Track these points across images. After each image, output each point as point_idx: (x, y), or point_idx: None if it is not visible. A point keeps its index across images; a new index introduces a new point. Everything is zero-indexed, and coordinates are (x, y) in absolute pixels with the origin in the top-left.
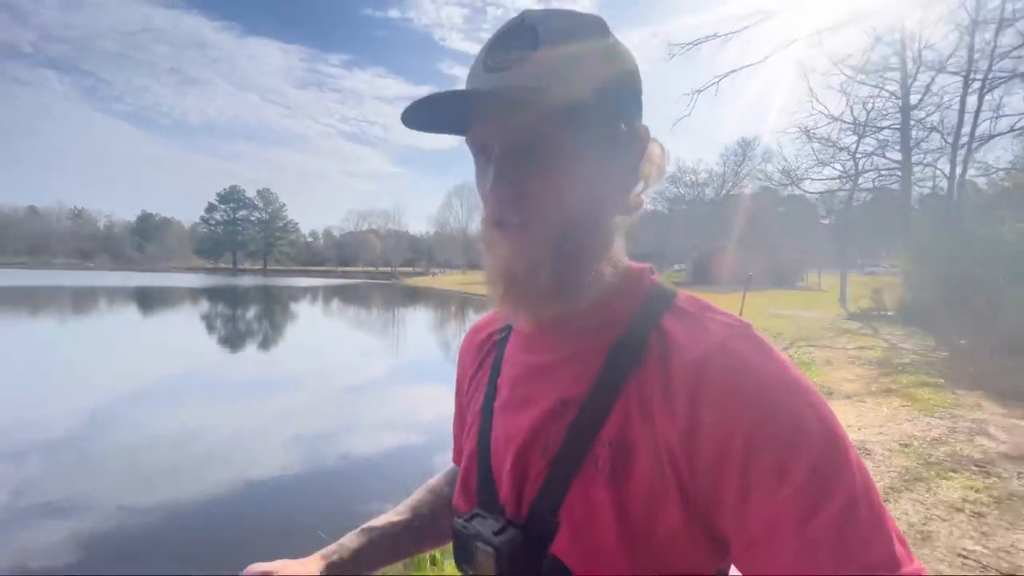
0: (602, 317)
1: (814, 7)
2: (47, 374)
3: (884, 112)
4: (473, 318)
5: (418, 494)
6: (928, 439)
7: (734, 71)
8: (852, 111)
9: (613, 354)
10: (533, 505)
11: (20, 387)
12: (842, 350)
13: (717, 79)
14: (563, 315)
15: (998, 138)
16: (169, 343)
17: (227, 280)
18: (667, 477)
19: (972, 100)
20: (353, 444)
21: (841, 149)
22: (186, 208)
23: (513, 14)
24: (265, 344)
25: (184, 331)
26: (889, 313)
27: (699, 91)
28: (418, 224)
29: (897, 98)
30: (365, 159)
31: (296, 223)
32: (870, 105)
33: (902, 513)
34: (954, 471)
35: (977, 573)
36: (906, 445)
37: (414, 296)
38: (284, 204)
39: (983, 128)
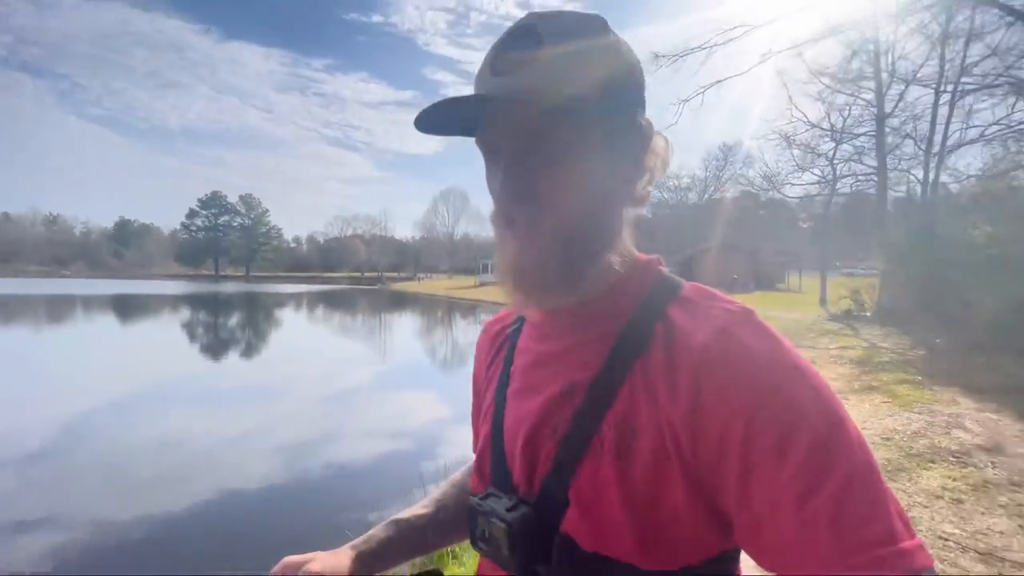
0: (610, 306)
1: (794, 21)
2: (19, 386)
3: (860, 120)
4: (460, 322)
5: (443, 488)
6: (908, 432)
7: (719, 82)
8: (830, 118)
9: (620, 341)
10: (544, 484)
11: None
12: (824, 350)
13: (702, 89)
14: (572, 305)
15: (968, 146)
16: (148, 352)
17: (209, 287)
18: (670, 458)
19: (944, 109)
20: (340, 452)
21: (819, 155)
22: (165, 214)
23: (496, 19)
24: (251, 352)
25: (165, 340)
26: (867, 314)
27: (685, 101)
28: (404, 229)
29: (872, 107)
30: (349, 164)
31: (279, 229)
32: (847, 113)
33: None
34: (933, 462)
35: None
36: (888, 438)
37: (403, 301)
38: (267, 210)
39: (954, 137)
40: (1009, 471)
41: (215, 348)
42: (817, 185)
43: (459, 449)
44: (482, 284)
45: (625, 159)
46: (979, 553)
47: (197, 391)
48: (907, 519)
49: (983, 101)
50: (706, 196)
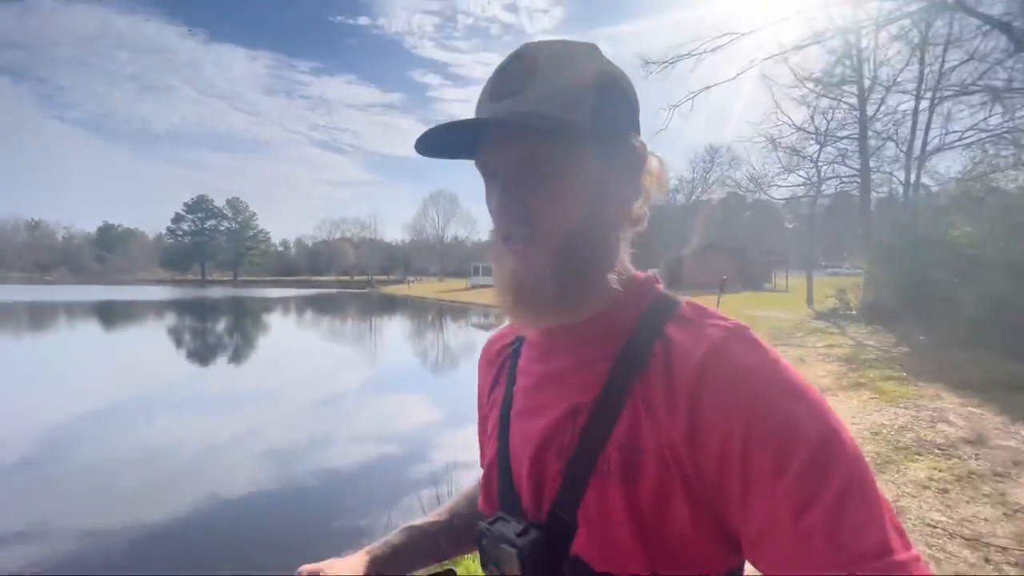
0: (608, 325)
1: (779, 28)
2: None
3: (844, 123)
4: (451, 325)
5: (456, 498)
6: (896, 427)
7: (708, 88)
8: (814, 121)
9: (620, 361)
10: (552, 507)
11: None
12: (812, 348)
13: (692, 95)
14: (571, 324)
15: (948, 149)
16: (134, 360)
17: (196, 292)
18: (674, 477)
19: (924, 114)
20: (330, 458)
21: (804, 157)
22: (150, 218)
23: (483, 22)
24: (240, 357)
25: (151, 347)
26: (853, 312)
27: (675, 106)
28: (393, 232)
29: (855, 110)
30: (336, 167)
31: (267, 232)
32: (830, 116)
33: None
34: (919, 454)
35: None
36: (876, 433)
37: (396, 305)
38: (254, 213)
39: (934, 142)
40: (992, 462)
41: (203, 354)
42: (803, 187)
43: (451, 453)
44: (473, 287)
45: (620, 180)
46: (965, 539)
47: (183, 398)
48: (902, 529)
49: (961, 108)
50: (693, 197)
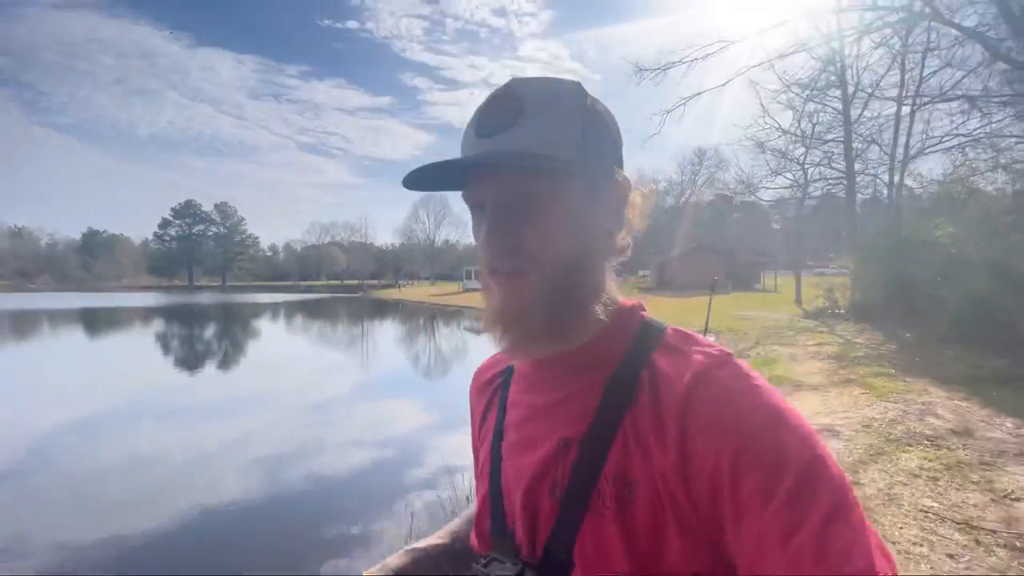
0: (596, 355)
1: (767, 36)
2: None
3: (830, 126)
4: (442, 329)
5: (457, 521)
6: (886, 420)
7: (699, 94)
8: (800, 125)
9: (608, 392)
10: (547, 546)
11: None
12: (803, 347)
13: (683, 101)
14: (559, 355)
15: (929, 153)
16: (120, 368)
17: (184, 298)
18: (666, 509)
19: (906, 118)
20: (322, 464)
21: (791, 160)
22: (136, 224)
23: (471, 26)
24: (233, 364)
25: (138, 354)
26: (841, 311)
27: (668, 111)
28: (384, 235)
29: (840, 114)
30: (325, 170)
31: (256, 237)
32: (816, 119)
33: (871, 480)
34: (910, 445)
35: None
36: (868, 426)
37: (391, 309)
38: (243, 218)
39: (916, 147)
40: (979, 452)
41: (191, 361)
42: (790, 189)
43: (444, 458)
44: (466, 291)
45: (605, 213)
46: (956, 523)
47: (170, 406)
48: (887, 551)
49: (941, 114)
50: (682, 200)
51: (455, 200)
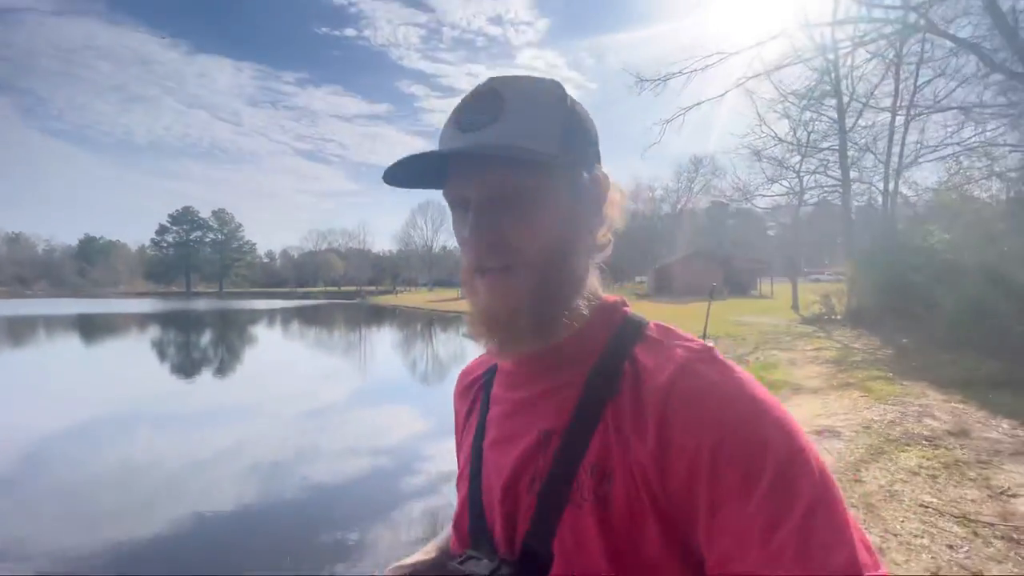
0: (578, 350)
1: (765, 48)
2: None
3: (825, 135)
4: (439, 335)
5: (444, 534)
6: (885, 422)
7: (698, 104)
8: (796, 133)
9: (590, 385)
10: (525, 541)
11: None
12: (801, 351)
13: (683, 111)
14: (542, 350)
15: (924, 162)
16: (116, 374)
17: (181, 304)
18: (643, 499)
19: (900, 127)
20: (319, 471)
21: (787, 168)
22: (133, 230)
23: (468, 34)
24: (230, 371)
25: (133, 361)
26: (837, 317)
27: (667, 121)
28: (381, 242)
29: (835, 123)
30: (323, 177)
31: (253, 243)
32: (812, 128)
33: (873, 477)
34: (909, 445)
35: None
36: (868, 427)
37: (390, 315)
38: (240, 224)
39: (910, 156)
40: (976, 451)
41: (187, 367)
42: (786, 196)
43: (439, 464)
44: (464, 297)
45: (586, 209)
46: (955, 517)
47: (166, 412)
48: (870, 545)
49: (936, 123)
50: (679, 207)
51: None
